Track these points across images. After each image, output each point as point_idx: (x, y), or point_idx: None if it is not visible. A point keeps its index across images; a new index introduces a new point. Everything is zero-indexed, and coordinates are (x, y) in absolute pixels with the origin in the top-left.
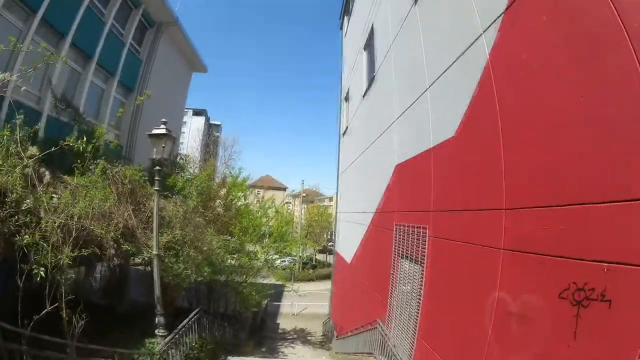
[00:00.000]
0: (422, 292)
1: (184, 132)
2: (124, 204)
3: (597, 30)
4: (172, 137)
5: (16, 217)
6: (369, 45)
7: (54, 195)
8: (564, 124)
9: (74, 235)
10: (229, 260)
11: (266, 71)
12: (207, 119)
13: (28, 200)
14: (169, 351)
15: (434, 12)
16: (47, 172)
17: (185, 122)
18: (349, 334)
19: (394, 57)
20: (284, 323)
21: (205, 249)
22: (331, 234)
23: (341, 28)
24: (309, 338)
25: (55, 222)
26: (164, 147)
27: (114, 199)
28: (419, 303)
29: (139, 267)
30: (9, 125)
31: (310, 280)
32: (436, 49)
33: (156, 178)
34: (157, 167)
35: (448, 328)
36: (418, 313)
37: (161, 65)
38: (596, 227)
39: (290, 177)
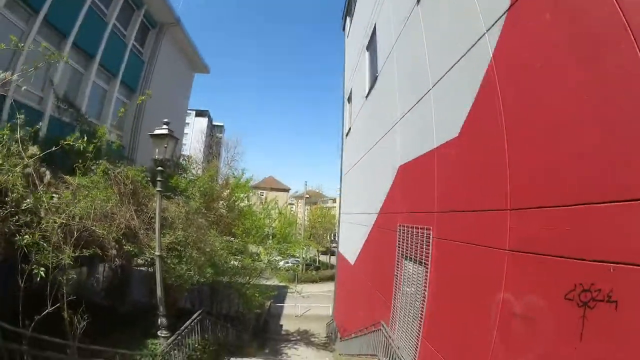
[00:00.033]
0: (426, 293)
1: (186, 134)
2: (126, 204)
3: (600, 29)
4: (174, 138)
5: (17, 216)
6: (371, 46)
7: (54, 195)
8: (566, 123)
9: (75, 235)
10: (232, 262)
11: (266, 71)
12: (210, 120)
13: (28, 200)
14: (172, 352)
15: (437, 12)
16: (47, 172)
17: (188, 124)
18: (353, 335)
19: (397, 58)
20: (287, 324)
21: (208, 250)
22: (334, 235)
23: (343, 29)
24: (312, 339)
25: (56, 222)
26: (166, 147)
27: (116, 199)
28: (423, 304)
29: (141, 268)
30: (9, 125)
31: (314, 281)
32: (439, 48)
33: (158, 179)
34: (160, 168)
35: (452, 329)
36: (422, 314)
37: (163, 66)
38: (602, 226)
39: (291, 177)
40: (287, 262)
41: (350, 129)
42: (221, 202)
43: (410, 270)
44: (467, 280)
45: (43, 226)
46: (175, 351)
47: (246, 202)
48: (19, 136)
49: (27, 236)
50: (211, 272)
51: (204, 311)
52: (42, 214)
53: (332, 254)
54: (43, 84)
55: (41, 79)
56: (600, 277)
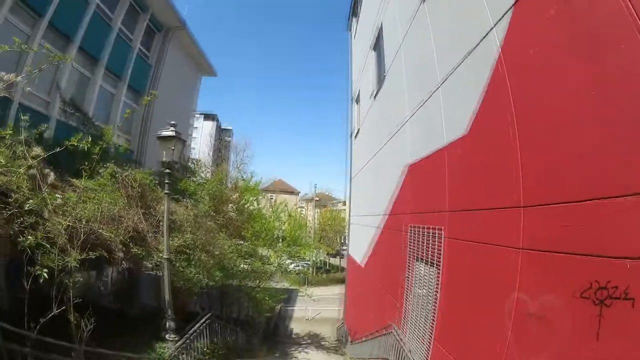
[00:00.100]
0: (437, 295)
1: (195, 137)
2: (134, 207)
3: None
4: (181, 140)
5: (22, 218)
6: (378, 46)
7: (58, 196)
8: (581, 116)
9: (82, 238)
10: (241, 265)
11: (266, 71)
12: (218, 124)
13: (31, 201)
14: (180, 356)
15: (443, 8)
16: (51, 173)
17: (196, 127)
18: (363, 338)
19: (404, 56)
20: (298, 328)
21: (217, 253)
22: (344, 238)
23: (349, 30)
24: (322, 343)
25: (61, 224)
26: (173, 149)
27: (124, 202)
28: (435, 306)
29: (150, 272)
30: (12, 125)
31: (324, 284)
32: (447, 45)
33: (166, 181)
34: (167, 170)
35: (465, 331)
36: (434, 316)
37: (170, 70)
38: (618, 221)
39: (291, 177)
40: (297, 265)
41: (358, 130)
42: (230, 205)
43: (422, 272)
44: (480, 281)
45: (47, 228)
46: (183, 355)
47: (255, 205)
48: (22, 138)
49: (30, 237)
50: (220, 275)
51: (212, 314)
52: (46, 215)
53: (342, 256)
54: (49, 88)
55: (48, 83)
56: (617, 274)
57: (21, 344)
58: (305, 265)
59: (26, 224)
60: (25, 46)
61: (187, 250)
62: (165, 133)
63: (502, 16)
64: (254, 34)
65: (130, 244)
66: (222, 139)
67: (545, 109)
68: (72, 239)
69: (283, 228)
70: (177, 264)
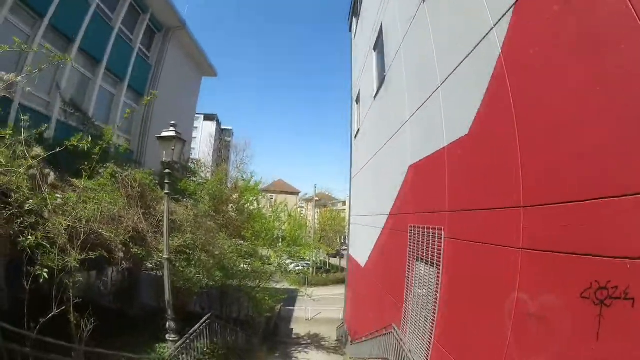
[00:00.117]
0: (438, 295)
1: (195, 138)
2: (134, 207)
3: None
4: (181, 140)
5: (22, 218)
6: (379, 46)
7: (58, 196)
8: (581, 115)
9: (82, 238)
10: (241, 265)
11: (266, 71)
12: (219, 124)
13: (31, 201)
14: (180, 356)
15: (443, 8)
16: (51, 173)
17: (196, 128)
18: (364, 338)
19: (404, 56)
20: (298, 328)
21: (217, 253)
22: (344, 238)
23: (350, 30)
24: (322, 343)
25: (62, 224)
26: (173, 149)
27: (124, 202)
28: (435, 306)
29: (150, 272)
30: (12, 125)
31: (324, 284)
32: (447, 45)
33: (166, 181)
34: (167, 170)
35: (465, 331)
36: (434, 316)
37: (171, 70)
38: (618, 221)
39: (291, 177)
40: (297, 266)
41: (359, 130)
42: (230, 205)
43: (422, 272)
44: (481, 281)
45: (47, 228)
46: (183, 355)
47: (255, 205)
48: (23, 138)
49: (30, 237)
50: (220, 275)
51: (213, 315)
52: (46, 215)
53: (342, 256)
54: (50, 88)
55: (48, 84)
56: (617, 274)
57: (21, 344)
58: (305, 265)
59: (26, 224)
60: (25, 46)
61: (187, 250)
62: (165, 133)
63: (503, 16)
64: (254, 34)
65: (130, 244)
66: (222, 139)
67: (546, 109)
68: (72, 239)
69: (283, 228)
70: (177, 264)
